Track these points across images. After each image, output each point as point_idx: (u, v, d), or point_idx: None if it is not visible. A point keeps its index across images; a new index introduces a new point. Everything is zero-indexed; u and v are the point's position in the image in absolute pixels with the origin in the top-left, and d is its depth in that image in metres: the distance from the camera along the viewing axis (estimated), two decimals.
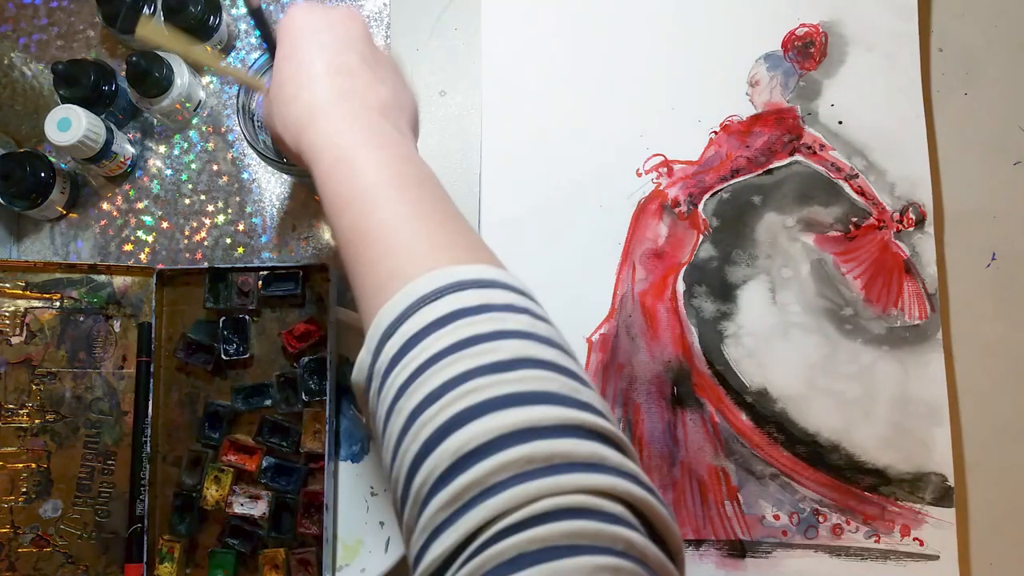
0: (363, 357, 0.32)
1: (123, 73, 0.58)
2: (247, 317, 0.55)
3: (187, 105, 0.59)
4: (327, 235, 0.59)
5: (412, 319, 0.30)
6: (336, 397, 0.55)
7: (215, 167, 0.60)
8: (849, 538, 0.53)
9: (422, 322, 0.30)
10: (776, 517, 0.54)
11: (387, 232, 0.33)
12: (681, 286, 0.56)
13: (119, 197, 0.60)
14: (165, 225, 0.60)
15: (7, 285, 0.56)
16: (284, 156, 0.47)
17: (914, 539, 0.53)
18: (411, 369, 0.29)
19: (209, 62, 0.57)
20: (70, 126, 0.54)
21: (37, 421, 0.55)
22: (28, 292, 0.56)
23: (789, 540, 0.53)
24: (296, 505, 0.53)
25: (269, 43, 0.44)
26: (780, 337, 0.55)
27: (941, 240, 0.57)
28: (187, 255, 0.59)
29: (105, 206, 0.60)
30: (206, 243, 0.60)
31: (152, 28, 0.50)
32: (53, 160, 0.59)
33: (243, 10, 0.62)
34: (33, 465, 0.55)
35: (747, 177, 0.57)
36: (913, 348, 0.55)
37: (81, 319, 0.56)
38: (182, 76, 0.58)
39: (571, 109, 0.58)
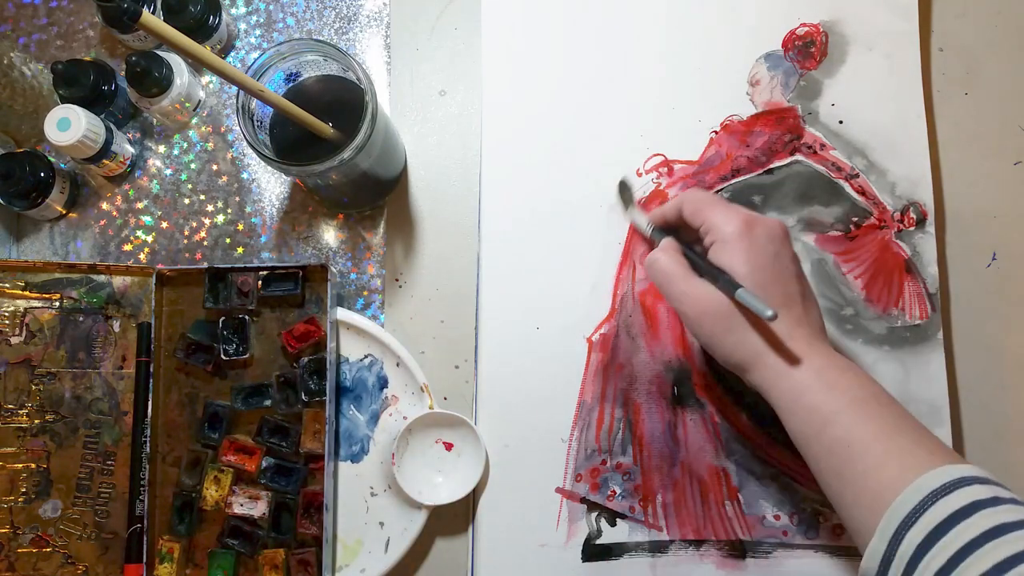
0: (875, 545, 0.37)
1: (123, 73, 0.58)
2: (247, 317, 0.55)
3: (187, 105, 0.59)
4: (326, 235, 0.59)
5: (930, 511, 0.35)
6: (336, 397, 0.55)
7: (215, 167, 0.60)
8: (850, 538, 0.53)
9: (943, 513, 0.35)
10: (777, 517, 0.54)
11: (876, 444, 0.39)
12: None
13: (119, 197, 0.60)
14: (165, 225, 0.60)
15: (7, 285, 0.56)
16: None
17: None
18: (949, 554, 0.34)
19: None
20: (70, 126, 0.54)
21: (37, 421, 0.55)
22: (28, 292, 0.56)
23: (790, 540, 0.53)
24: (296, 505, 0.53)
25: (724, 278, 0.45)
26: None
27: (942, 240, 0.57)
28: (187, 255, 0.59)
29: (105, 206, 0.60)
30: (206, 243, 0.59)
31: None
32: (53, 160, 0.59)
33: (243, 10, 0.62)
34: (33, 465, 0.54)
35: (748, 177, 0.57)
36: (914, 348, 0.55)
37: (80, 319, 0.56)
38: (181, 76, 0.58)
39: (571, 109, 0.58)
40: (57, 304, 0.56)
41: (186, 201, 0.60)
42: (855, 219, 0.56)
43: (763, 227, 0.45)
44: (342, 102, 0.52)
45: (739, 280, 0.43)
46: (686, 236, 0.49)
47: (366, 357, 0.56)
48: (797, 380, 0.42)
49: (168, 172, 0.60)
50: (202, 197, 0.60)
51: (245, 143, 0.59)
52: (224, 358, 0.54)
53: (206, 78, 0.62)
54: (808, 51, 0.58)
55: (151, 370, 0.54)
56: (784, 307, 0.43)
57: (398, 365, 0.56)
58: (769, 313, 0.40)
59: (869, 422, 0.40)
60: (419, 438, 0.55)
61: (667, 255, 0.47)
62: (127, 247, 0.60)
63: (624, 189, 0.56)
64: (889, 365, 0.55)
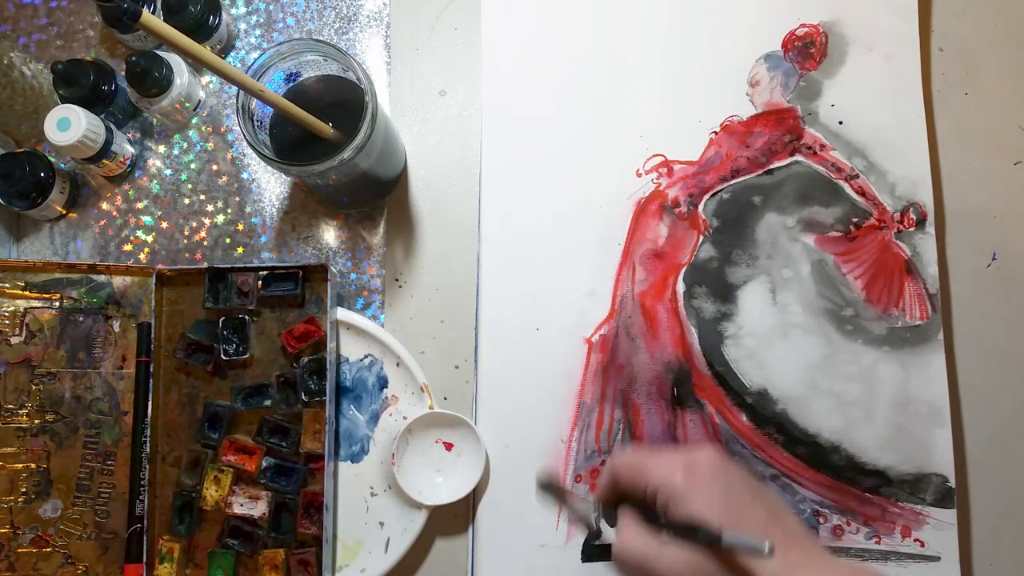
0: None
1: (123, 73, 0.58)
2: (247, 317, 0.55)
3: (186, 105, 0.59)
4: (326, 235, 0.59)
5: None
6: (336, 397, 0.55)
7: (215, 167, 0.60)
8: (850, 539, 0.53)
9: None
10: None
11: None
12: (681, 287, 0.56)
13: (119, 197, 0.60)
14: (165, 225, 0.60)
15: (7, 285, 0.56)
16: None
17: (915, 540, 0.53)
18: None
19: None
20: (70, 126, 0.54)
21: (37, 421, 0.55)
22: (28, 292, 0.56)
23: None
24: (296, 505, 0.53)
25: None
26: (780, 338, 0.55)
27: (942, 240, 0.56)
28: (187, 255, 0.59)
29: (105, 206, 0.60)
30: (206, 243, 0.59)
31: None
32: (53, 160, 0.59)
33: (243, 10, 0.62)
34: (33, 465, 0.54)
35: (747, 177, 0.57)
36: (914, 349, 0.55)
37: (80, 319, 0.56)
38: (181, 76, 0.58)
39: (571, 109, 0.58)
40: (57, 304, 0.56)
41: (186, 201, 0.60)
42: (855, 220, 0.56)
43: (704, 464, 0.42)
44: (342, 102, 0.52)
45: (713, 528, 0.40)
46: (632, 499, 0.45)
47: (366, 357, 0.56)
48: None
49: (168, 172, 0.60)
50: (202, 197, 0.60)
51: (245, 143, 0.59)
52: (224, 358, 0.54)
53: (206, 78, 0.62)
54: (808, 52, 0.58)
55: (151, 370, 0.54)
56: (763, 535, 0.40)
57: (398, 365, 0.56)
58: (767, 546, 0.37)
59: None
60: (419, 438, 0.55)
61: (631, 533, 0.43)
62: (127, 247, 0.60)
63: (550, 488, 0.50)
64: (889, 366, 0.55)
